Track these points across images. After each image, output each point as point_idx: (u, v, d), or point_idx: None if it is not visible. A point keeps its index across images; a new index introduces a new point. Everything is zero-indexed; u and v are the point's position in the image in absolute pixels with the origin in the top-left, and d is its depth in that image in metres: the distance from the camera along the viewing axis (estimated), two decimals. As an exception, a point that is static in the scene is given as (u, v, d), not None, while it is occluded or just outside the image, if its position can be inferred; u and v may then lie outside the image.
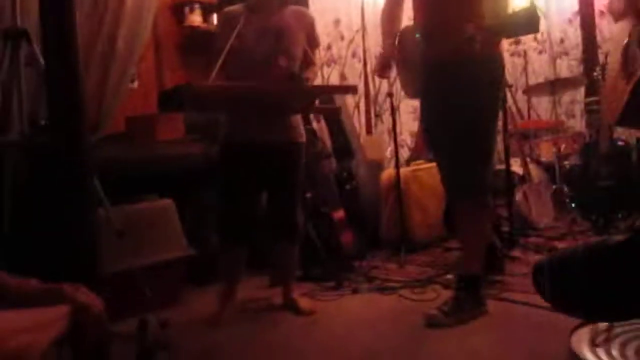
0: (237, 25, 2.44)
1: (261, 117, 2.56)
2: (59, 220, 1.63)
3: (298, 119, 2.69)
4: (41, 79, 1.88)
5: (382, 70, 2.61)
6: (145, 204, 2.88)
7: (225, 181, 2.62)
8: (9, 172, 1.63)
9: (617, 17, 2.60)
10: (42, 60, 1.84)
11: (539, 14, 2.11)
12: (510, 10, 2.37)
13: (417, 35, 2.44)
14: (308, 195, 3.47)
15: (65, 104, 1.59)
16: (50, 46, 1.62)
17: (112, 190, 2.58)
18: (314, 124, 4.18)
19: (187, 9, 4.04)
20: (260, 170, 2.58)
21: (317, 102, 2.77)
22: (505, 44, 5.25)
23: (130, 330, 1.95)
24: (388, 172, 4.21)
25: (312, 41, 2.67)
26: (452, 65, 2.35)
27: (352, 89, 3.01)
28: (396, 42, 2.56)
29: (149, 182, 2.97)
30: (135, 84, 3.77)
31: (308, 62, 2.66)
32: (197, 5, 4.03)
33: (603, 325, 1.06)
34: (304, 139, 2.70)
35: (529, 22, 1.98)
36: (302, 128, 2.70)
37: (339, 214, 3.60)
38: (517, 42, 5.40)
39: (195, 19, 4.06)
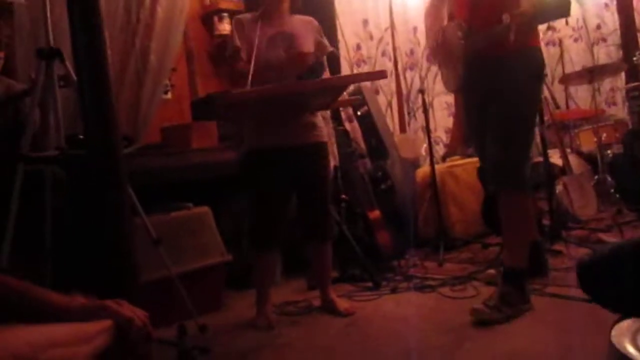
0: (251, 31, 2.52)
1: (287, 120, 2.60)
2: (97, 232, 1.67)
3: (320, 119, 2.74)
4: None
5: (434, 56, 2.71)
6: (183, 212, 2.93)
7: (254, 186, 2.65)
8: (48, 187, 1.69)
9: None
10: (74, 78, 1.89)
11: (573, -1, 2.10)
12: None
13: (459, 32, 2.47)
14: (343, 196, 3.48)
15: (97, 118, 1.64)
16: (82, 63, 1.68)
17: (150, 200, 2.64)
18: (347, 125, 4.19)
19: (215, 18, 4.10)
20: (288, 173, 2.61)
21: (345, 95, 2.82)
22: (540, 33, 5.14)
23: (171, 336, 1.99)
24: (423, 170, 4.18)
25: (321, 47, 2.72)
26: (493, 59, 2.40)
27: (381, 74, 3.01)
28: (439, 38, 2.61)
29: (185, 190, 3.03)
30: (169, 95, 3.85)
31: (323, 62, 2.70)
32: (225, 14, 4.08)
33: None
34: (326, 138, 2.73)
35: (560, 6, 1.99)
36: (324, 128, 2.74)
37: (375, 213, 3.58)
38: (552, 29, 5.28)
39: (225, 27, 4.11)
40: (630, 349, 0.91)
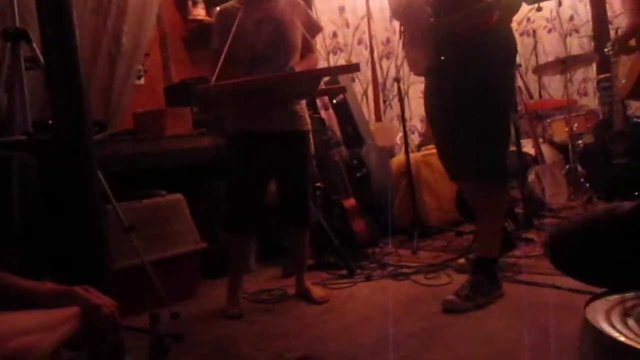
0: (234, 22, 2.43)
1: (267, 108, 2.56)
2: (67, 219, 1.63)
3: (303, 107, 2.70)
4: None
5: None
6: (156, 199, 2.89)
7: (232, 172, 2.61)
8: (15, 172, 1.64)
9: None
10: (42, 60, 1.84)
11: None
12: None
13: (428, 10, 2.35)
14: (319, 184, 3.47)
15: (67, 102, 1.60)
16: (50, 45, 1.63)
17: (123, 187, 2.59)
18: (322, 113, 4.18)
19: (190, 3, 4.03)
20: (267, 160, 2.58)
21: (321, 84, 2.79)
22: (514, 24, 5.18)
23: (144, 324, 1.97)
24: (398, 158, 4.20)
25: (312, 27, 2.69)
26: (468, 38, 2.29)
27: (354, 67, 2.99)
28: (406, 16, 2.52)
29: (159, 177, 2.99)
30: (142, 80, 3.78)
31: (309, 49, 2.70)
32: (200, -1, 4.02)
33: (618, 296, 1.04)
34: (309, 126, 2.70)
35: None
36: (307, 116, 2.71)
37: (350, 201, 3.59)
38: (527, 20, 5.32)
39: (199, 12, 4.05)
40: (604, 326, 0.93)
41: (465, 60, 2.30)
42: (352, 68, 3.25)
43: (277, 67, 2.52)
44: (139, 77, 3.69)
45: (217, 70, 2.31)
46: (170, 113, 3.17)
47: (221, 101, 2.44)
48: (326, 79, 3.44)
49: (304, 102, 2.73)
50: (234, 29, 2.40)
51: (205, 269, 3.13)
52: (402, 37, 2.63)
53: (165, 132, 3.06)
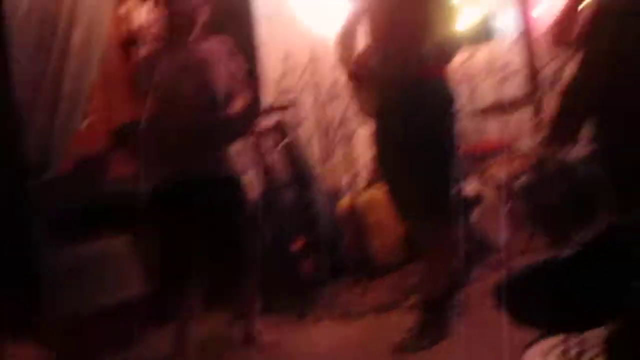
0: (157, 67, 2.38)
1: (197, 151, 2.46)
2: (3, 264, 1.55)
3: (235, 150, 2.62)
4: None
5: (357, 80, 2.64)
6: (100, 241, 2.79)
7: (161, 227, 2.47)
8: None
9: (556, 44, 2.72)
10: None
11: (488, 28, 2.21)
12: (461, 25, 2.45)
13: (375, 56, 2.48)
14: (266, 226, 3.44)
15: (3, 145, 1.54)
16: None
17: (67, 230, 2.50)
18: (269, 155, 4.18)
19: (135, 45, 4.01)
20: (199, 209, 2.42)
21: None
22: (452, 70, 5.40)
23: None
24: (346, 200, 4.23)
25: (238, 68, 2.61)
26: (409, 84, 2.40)
27: (285, 108, 3.00)
28: (354, 65, 2.61)
29: (103, 219, 2.90)
30: (86, 122, 3.69)
31: (237, 89, 2.61)
32: (145, 41, 4.00)
33: (557, 339, 1.08)
34: (237, 171, 2.61)
35: (479, 34, 2.08)
36: (239, 161, 2.62)
37: (299, 243, 3.57)
38: (463, 65, 5.57)
39: (145, 53, 4.04)
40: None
41: (407, 105, 2.41)
42: (286, 107, 3.25)
43: (200, 111, 2.45)
44: (82, 119, 3.60)
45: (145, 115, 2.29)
46: (113, 156, 3.10)
47: (150, 142, 2.35)
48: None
49: (241, 143, 2.69)
50: (159, 75, 2.35)
51: (149, 314, 3.02)
52: (350, 81, 2.70)
53: (109, 174, 2.98)
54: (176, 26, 2.51)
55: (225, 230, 2.54)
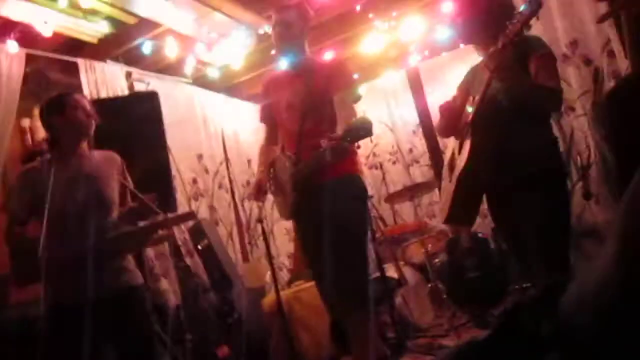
0: (38, 181, 2.30)
1: (93, 268, 2.26)
2: None
3: (131, 262, 2.48)
4: None
5: (257, 194, 2.79)
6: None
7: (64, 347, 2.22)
8: None
9: (443, 135, 2.97)
10: None
11: (374, 125, 2.41)
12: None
13: (287, 163, 2.63)
14: (188, 336, 3.29)
15: None
16: None
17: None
18: (188, 260, 4.08)
19: (38, 159, 3.88)
20: (95, 328, 2.20)
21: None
22: (363, 159, 5.65)
23: None
24: (270, 298, 4.14)
25: (128, 182, 2.54)
26: (318, 186, 2.53)
27: (190, 216, 3.00)
28: (270, 171, 2.77)
29: (5, 347, 2.66)
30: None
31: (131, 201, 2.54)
32: (48, 155, 3.90)
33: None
34: (141, 281, 2.46)
35: (364, 128, 2.26)
36: (137, 271, 2.47)
37: (224, 350, 3.43)
38: (373, 155, 5.83)
39: (49, 169, 3.91)
40: None
41: (318, 205, 2.51)
42: (188, 217, 3.21)
43: (92, 224, 2.31)
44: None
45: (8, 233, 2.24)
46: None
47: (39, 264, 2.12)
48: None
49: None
50: (45, 185, 2.24)
51: None
52: (270, 185, 2.81)
53: (10, 299, 2.78)
54: (66, 138, 2.44)
55: (135, 342, 2.35)
